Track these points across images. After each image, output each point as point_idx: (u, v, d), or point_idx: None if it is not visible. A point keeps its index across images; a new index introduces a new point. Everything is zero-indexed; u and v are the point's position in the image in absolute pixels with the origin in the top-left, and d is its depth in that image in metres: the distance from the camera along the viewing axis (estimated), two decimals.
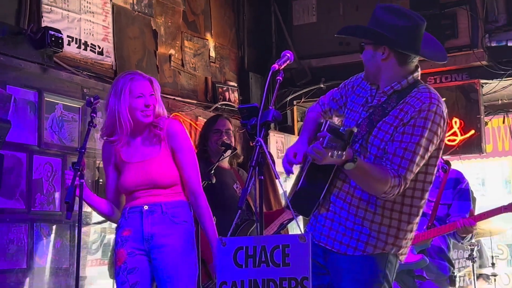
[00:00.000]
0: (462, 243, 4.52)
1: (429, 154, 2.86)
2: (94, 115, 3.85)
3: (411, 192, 2.95)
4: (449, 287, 4.44)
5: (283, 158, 3.04)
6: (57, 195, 4.67)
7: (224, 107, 6.54)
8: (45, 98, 4.68)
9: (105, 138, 3.83)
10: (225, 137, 4.75)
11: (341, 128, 2.57)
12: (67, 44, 4.89)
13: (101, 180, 4.99)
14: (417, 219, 3.03)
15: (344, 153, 2.55)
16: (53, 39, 4.62)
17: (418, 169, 2.87)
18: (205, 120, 6.05)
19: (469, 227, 4.17)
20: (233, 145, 4.83)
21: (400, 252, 3.01)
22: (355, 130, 2.55)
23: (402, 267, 4.10)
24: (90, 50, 5.15)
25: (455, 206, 4.41)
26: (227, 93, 6.69)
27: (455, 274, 4.49)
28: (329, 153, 2.58)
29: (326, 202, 3.04)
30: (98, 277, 4.97)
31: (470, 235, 4.29)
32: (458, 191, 4.45)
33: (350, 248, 2.97)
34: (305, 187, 3.07)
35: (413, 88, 2.96)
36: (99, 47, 5.24)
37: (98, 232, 5.01)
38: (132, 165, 3.79)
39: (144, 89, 3.80)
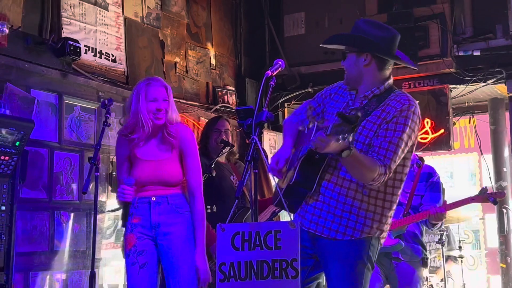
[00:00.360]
0: (432, 230, 4.52)
1: (408, 148, 2.91)
2: (108, 116, 3.85)
3: (392, 182, 2.99)
4: (422, 267, 4.43)
5: (268, 166, 3.05)
6: (75, 186, 4.66)
7: (223, 108, 6.53)
8: (65, 101, 4.67)
9: (127, 135, 3.81)
10: (224, 136, 4.75)
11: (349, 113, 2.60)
12: (84, 53, 4.87)
13: (114, 173, 4.98)
14: (395, 206, 3.06)
15: (351, 135, 2.53)
16: (71, 48, 4.61)
17: (399, 160, 2.92)
18: (207, 120, 6.06)
19: (440, 214, 4.18)
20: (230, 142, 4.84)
21: (382, 235, 3.04)
22: (360, 115, 2.54)
23: (380, 250, 4.13)
24: (105, 58, 5.14)
25: (427, 196, 4.43)
26: (226, 97, 6.68)
27: (427, 256, 4.48)
28: (333, 140, 2.57)
29: (315, 193, 3.03)
30: (111, 258, 4.96)
31: (440, 222, 4.29)
32: (430, 183, 4.46)
33: (339, 233, 2.97)
34: (298, 181, 3.04)
35: (390, 92, 3.01)
36: (113, 55, 5.23)
37: (112, 219, 5.00)
38: (145, 162, 3.79)
39: (158, 94, 3.79)
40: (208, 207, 4.48)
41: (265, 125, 5.74)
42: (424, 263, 4.42)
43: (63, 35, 4.73)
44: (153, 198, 3.75)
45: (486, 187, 4.27)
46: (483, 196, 4.21)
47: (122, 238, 5.01)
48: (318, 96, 3.26)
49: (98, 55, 5.07)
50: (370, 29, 3.06)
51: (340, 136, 2.54)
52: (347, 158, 2.71)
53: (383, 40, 3.02)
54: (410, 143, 2.92)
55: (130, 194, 3.60)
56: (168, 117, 3.80)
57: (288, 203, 3.05)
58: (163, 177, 3.76)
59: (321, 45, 3.21)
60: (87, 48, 4.97)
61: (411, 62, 3.20)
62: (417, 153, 6.51)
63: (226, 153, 4.83)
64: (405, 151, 2.92)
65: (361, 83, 3.06)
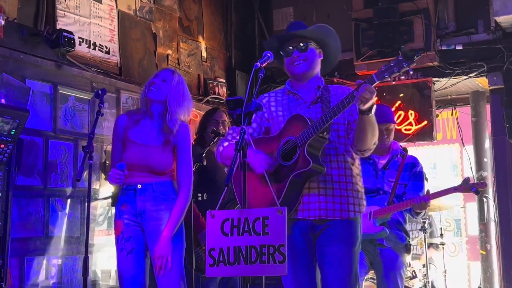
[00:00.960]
0: (416, 218, 4.56)
1: None
2: (102, 105, 3.85)
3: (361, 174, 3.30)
4: (405, 253, 4.47)
5: (258, 167, 3.11)
6: (69, 174, 4.64)
7: (214, 100, 6.53)
8: (59, 91, 4.65)
9: (129, 114, 3.87)
10: (221, 127, 4.76)
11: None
12: (78, 44, 4.85)
13: (107, 162, 4.97)
14: None
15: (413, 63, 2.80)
16: (66, 39, 4.59)
17: None
18: (198, 111, 6.06)
19: (424, 203, 4.21)
20: (222, 133, 4.83)
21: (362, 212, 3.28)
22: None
23: (366, 236, 4.25)
24: (98, 49, 5.11)
25: (410, 186, 4.47)
26: (216, 88, 6.67)
27: (410, 243, 4.52)
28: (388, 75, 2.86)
29: (313, 182, 3.16)
30: (104, 244, 4.96)
31: (424, 211, 4.31)
32: (413, 173, 4.50)
33: (338, 212, 3.16)
34: (313, 165, 3.11)
35: (327, 86, 3.32)
36: (106, 47, 5.20)
37: (104, 206, 4.99)
38: (136, 145, 3.78)
39: (161, 72, 3.83)
40: (199, 194, 4.47)
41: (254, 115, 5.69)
42: (407, 249, 4.46)
43: (58, 27, 4.70)
44: (139, 186, 3.75)
45: (468, 178, 4.29)
46: (466, 187, 4.23)
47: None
48: (256, 117, 3.36)
49: (92, 47, 5.05)
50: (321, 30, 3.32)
51: (396, 70, 2.82)
52: (372, 115, 2.96)
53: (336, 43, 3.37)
54: None
55: (120, 178, 3.60)
56: (168, 100, 3.79)
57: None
58: (150, 163, 3.75)
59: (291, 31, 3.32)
60: (81, 40, 4.94)
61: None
62: (401, 143, 6.55)
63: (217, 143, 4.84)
64: None
65: (313, 78, 3.32)
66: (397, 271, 4.36)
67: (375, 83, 2.92)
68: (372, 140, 3.09)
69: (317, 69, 3.34)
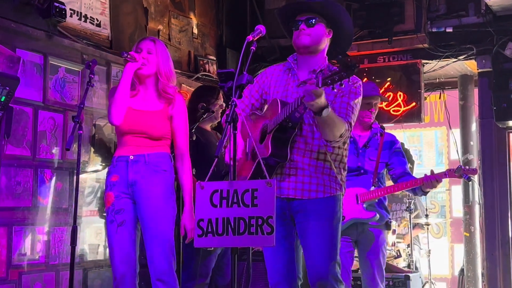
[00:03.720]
0: (418, 195, 4.66)
1: (357, 110, 3.28)
2: (92, 76, 3.84)
3: (346, 145, 3.35)
4: (386, 230, 4.57)
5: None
6: (58, 145, 4.61)
7: (204, 77, 6.50)
8: (50, 62, 4.59)
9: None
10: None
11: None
12: (70, 16, 4.79)
13: (96, 136, 4.95)
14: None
15: (350, 78, 2.76)
16: (57, 10, 4.54)
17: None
18: (189, 87, 6.04)
19: (435, 182, 4.26)
20: (211, 109, 4.84)
21: (342, 193, 3.33)
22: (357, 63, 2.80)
23: (357, 221, 4.41)
24: (89, 22, 5.06)
25: (395, 161, 4.55)
26: (207, 66, 6.64)
27: (391, 220, 4.63)
28: (323, 90, 2.83)
29: (288, 161, 3.21)
30: (92, 221, 4.93)
31: (430, 189, 4.38)
32: (394, 150, 4.58)
33: (319, 192, 3.22)
34: (273, 153, 3.18)
35: (331, 68, 3.23)
36: (97, 20, 5.15)
37: (94, 185, 4.95)
38: (133, 111, 3.78)
39: (143, 45, 3.83)
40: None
41: None
42: (387, 226, 4.56)
43: None
44: (131, 157, 3.74)
45: (461, 166, 4.38)
46: (459, 174, 4.32)
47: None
48: (258, 79, 3.47)
49: (83, 19, 4.99)
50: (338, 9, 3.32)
51: (336, 85, 2.77)
52: (325, 116, 2.86)
53: (348, 24, 3.35)
54: (358, 107, 3.28)
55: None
56: (159, 71, 3.79)
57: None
58: (145, 127, 3.75)
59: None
60: (72, 12, 4.88)
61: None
62: (389, 124, 6.60)
63: (209, 121, 4.84)
64: (356, 113, 3.26)
65: (316, 56, 3.31)
66: (379, 247, 4.45)
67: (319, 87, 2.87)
68: (332, 135, 3.11)
69: (322, 46, 3.32)
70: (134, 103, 3.81)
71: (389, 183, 4.61)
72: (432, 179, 4.24)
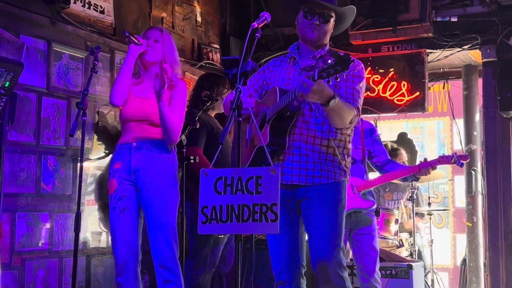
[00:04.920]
0: (409, 181, 4.80)
1: (362, 94, 3.29)
2: (96, 62, 3.84)
3: (349, 138, 3.35)
4: (376, 216, 4.71)
5: None
6: (62, 132, 4.60)
7: (208, 65, 6.48)
8: (53, 48, 4.57)
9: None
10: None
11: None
12: (73, 3, 4.76)
13: (100, 123, 4.94)
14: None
15: (345, 72, 2.76)
16: None
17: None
18: (192, 75, 6.02)
19: (430, 169, 4.44)
20: (215, 97, 4.85)
21: (347, 178, 3.32)
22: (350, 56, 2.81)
23: (354, 210, 4.55)
24: (93, 9, 5.04)
25: (378, 149, 4.71)
26: (210, 54, 6.61)
27: (378, 207, 4.82)
28: (319, 84, 2.80)
29: (289, 149, 3.22)
30: (95, 208, 4.91)
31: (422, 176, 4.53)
32: (374, 138, 4.71)
33: (323, 178, 3.22)
34: (271, 141, 3.18)
35: (330, 53, 3.30)
36: (101, 7, 5.13)
37: (96, 167, 4.95)
38: (135, 98, 3.80)
39: (150, 34, 3.85)
40: (192, 157, 4.48)
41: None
42: (376, 213, 4.72)
43: None
44: (134, 144, 3.74)
45: (456, 153, 4.52)
46: (451, 161, 4.47)
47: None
48: (260, 70, 3.49)
49: (86, 5, 4.96)
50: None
51: (331, 79, 2.77)
52: (333, 106, 2.87)
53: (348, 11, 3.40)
54: (363, 90, 3.29)
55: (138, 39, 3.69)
56: (165, 59, 3.80)
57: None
58: (147, 113, 3.75)
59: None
60: None
61: None
62: (393, 114, 6.59)
63: (210, 108, 4.84)
64: (362, 97, 3.27)
65: (320, 44, 3.34)
66: (372, 232, 4.60)
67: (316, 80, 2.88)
68: (341, 123, 3.12)
69: (327, 40, 3.37)
70: (138, 91, 3.82)
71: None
72: (428, 166, 4.39)
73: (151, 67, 3.85)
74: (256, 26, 3.11)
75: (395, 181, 4.83)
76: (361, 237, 4.54)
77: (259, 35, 3.11)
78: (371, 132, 4.69)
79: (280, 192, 3.15)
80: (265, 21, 3.16)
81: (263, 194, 2.73)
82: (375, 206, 4.61)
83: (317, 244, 3.20)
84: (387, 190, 6.84)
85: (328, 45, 3.39)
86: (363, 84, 3.28)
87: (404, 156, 6.71)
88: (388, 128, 8.14)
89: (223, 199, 2.78)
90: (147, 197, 3.76)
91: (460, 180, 7.55)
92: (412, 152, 6.97)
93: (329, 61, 2.79)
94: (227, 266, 4.81)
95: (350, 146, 3.36)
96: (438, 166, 4.53)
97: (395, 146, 6.81)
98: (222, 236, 4.54)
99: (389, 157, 4.74)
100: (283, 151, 3.21)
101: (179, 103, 3.86)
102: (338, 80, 2.82)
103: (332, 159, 3.24)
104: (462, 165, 4.55)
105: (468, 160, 4.72)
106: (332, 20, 3.31)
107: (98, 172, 4.89)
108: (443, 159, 4.51)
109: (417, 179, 4.58)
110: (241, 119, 2.87)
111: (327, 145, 3.24)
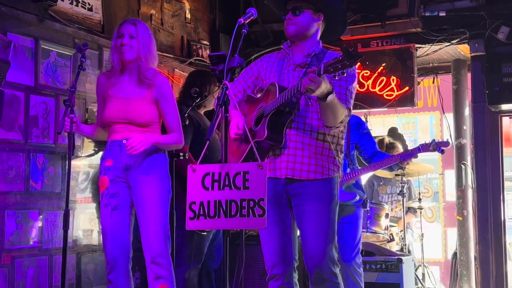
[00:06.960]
0: (395, 170, 4.94)
1: (354, 94, 3.30)
2: (84, 60, 3.82)
3: (342, 134, 3.36)
4: (363, 208, 4.71)
5: (230, 131, 3.20)
6: (50, 130, 4.59)
7: (197, 62, 6.48)
8: (41, 46, 4.57)
9: (107, 76, 3.84)
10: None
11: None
12: (61, 0, 4.76)
13: (89, 121, 4.92)
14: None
15: (355, 66, 2.84)
16: None
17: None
18: (182, 72, 6.01)
19: (412, 158, 4.67)
20: (204, 94, 4.84)
21: (340, 174, 3.34)
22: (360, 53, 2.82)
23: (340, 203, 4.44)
24: (81, 6, 5.03)
25: (366, 143, 4.73)
26: (200, 50, 6.61)
27: (366, 198, 4.81)
28: (325, 78, 2.82)
29: (286, 143, 3.24)
30: (86, 206, 4.92)
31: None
32: (362, 132, 4.72)
33: (318, 173, 3.23)
34: (268, 136, 3.20)
35: (325, 52, 3.33)
36: (89, 4, 5.12)
37: (87, 172, 4.94)
38: (115, 99, 3.76)
39: (125, 30, 3.78)
40: (181, 153, 4.47)
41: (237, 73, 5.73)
42: (364, 204, 4.72)
43: None
44: (124, 141, 3.72)
45: (434, 139, 4.68)
46: (431, 148, 4.66)
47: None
48: (252, 66, 3.49)
49: (74, 3, 4.96)
50: None
51: (340, 72, 2.78)
52: (330, 102, 2.88)
53: (338, 5, 3.39)
54: (354, 91, 3.30)
55: (67, 125, 3.60)
56: (139, 56, 3.75)
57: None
58: (130, 115, 3.73)
59: None
60: None
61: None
62: (383, 109, 6.60)
63: (198, 104, 4.83)
64: (353, 97, 3.28)
65: (306, 41, 3.32)
66: (356, 223, 4.62)
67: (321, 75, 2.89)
68: (333, 121, 3.13)
69: (311, 32, 3.33)
70: (117, 90, 3.79)
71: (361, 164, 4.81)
72: (410, 157, 4.56)
73: (130, 64, 3.81)
74: (242, 22, 3.10)
75: (383, 172, 4.87)
76: (343, 226, 4.50)
77: (245, 31, 3.10)
78: (358, 125, 4.70)
79: (272, 186, 3.18)
80: (252, 17, 3.15)
81: (251, 189, 2.73)
82: (358, 198, 4.58)
83: (311, 241, 3.21)
84: (381, 183, 6.87)
85: (320, 43, 3.38)
86: (355, 85, 3.30)
87: (400, 150, 6.74)
88: (381, 124, 8.17)
89: (210, 194, 2.78)
90: (139, 194, 3.75)
91: (451, 174, 7.58)
92: (403, 146, 6.98)
93: (337, 56, 2.84)
94: (215, 262, 4.81)
95: (342, 142, 3.38)
96: (423, 157, 4.63)
97: (392, 140, 6.84)
98: (206, 233, 4.54)
99: (378, 149, 4.76)
100: (280, 145, 3.21)
101: (168, 105, 3.82)
102: (345, 75, 2.84)
103: (328, 154, 3.27)
104: (442, 151, 4.71)
105: (449, 146, 4.84)
106: (306, 12, 3.28)
107: (90, 170, 4.89)
108: (423, 147, 4.65)
109: (402, 168, 4.71)
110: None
111: (323, 140, 3.26)
